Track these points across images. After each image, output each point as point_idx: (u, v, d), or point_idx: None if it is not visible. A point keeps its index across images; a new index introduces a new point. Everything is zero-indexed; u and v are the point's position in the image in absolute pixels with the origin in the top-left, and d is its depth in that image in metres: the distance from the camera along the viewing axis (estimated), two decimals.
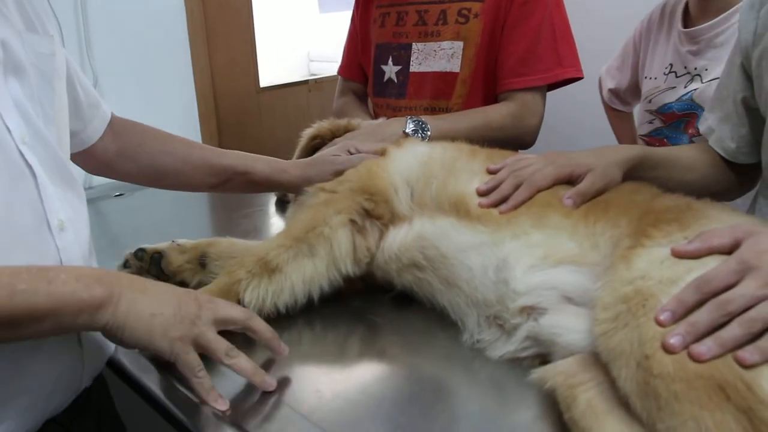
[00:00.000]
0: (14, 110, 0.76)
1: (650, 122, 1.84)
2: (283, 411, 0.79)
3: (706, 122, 1.21)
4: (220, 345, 0.79)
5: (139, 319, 0.74)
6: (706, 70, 1.64)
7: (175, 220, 1.61)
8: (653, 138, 1.83)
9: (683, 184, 1.03)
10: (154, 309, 0.76)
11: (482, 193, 1.00)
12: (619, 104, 2.21)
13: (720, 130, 1.17)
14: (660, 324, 0.67)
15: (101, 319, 0.72)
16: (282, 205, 1.58)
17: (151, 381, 0.87)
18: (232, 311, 0.84)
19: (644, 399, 0.64)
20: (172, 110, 2.26)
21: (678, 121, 1.73)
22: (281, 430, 0.76)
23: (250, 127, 2.83)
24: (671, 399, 0.62)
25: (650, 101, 1.81)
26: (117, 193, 1.79)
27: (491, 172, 1.04)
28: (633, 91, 2.07)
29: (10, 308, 0.65)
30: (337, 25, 4.82)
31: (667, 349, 0.64)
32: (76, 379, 0.85)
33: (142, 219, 1.64)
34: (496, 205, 0.98)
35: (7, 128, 0.74)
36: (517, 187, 0.99)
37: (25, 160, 0.76)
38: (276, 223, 1.52)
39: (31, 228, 0.76)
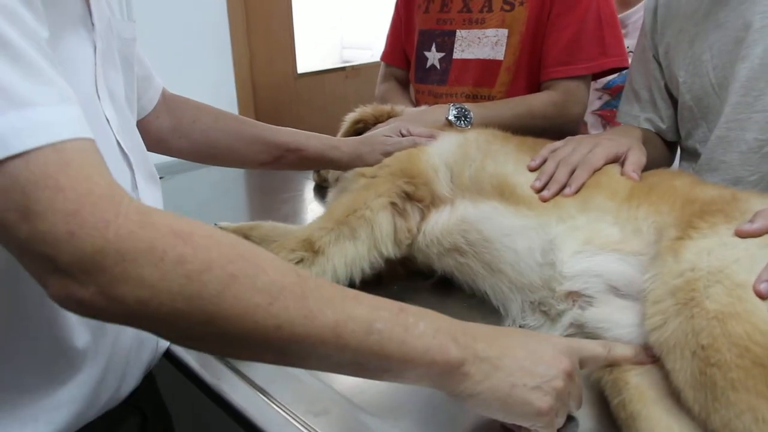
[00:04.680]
0: (108, 100, 0.76)
1: (599, 98, 2.02)
2: (327, 393, 0.79)
3: (629, 113, 1.35)
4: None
5: (496, 392, 0.63)
6: None
7: (214, 204, 1.62)
8: (605, 110, 2.01)
9: (650, 160, 1.06)
10: (515, 380, 0.63)
11: (539, 189, 0.98)
12: None
13: (648, 115, 1.31)
14: (760, 295, 0.66)
15: (447, 385, 0.63)
16: (320, 190, 1.58)
17: (207, 370, 0.86)
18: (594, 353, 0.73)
19: (698, 390, 0.63)
20: (210, 97, 2.27)
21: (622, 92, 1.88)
22: (326, 412, 0.76)
23: (287, 113, 2.84)
24: (728, 388, 0.61)
25: (596, 81, 1.97)
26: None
27: (533, 169, 1.03)
28: None
29: (362, 348, 0.58)
30: (373, 12, 4.82)
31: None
32: (151, 356, 0.86)
33: (182, 202, 1.64)
34: (557, 193, 0.96)
35: (107, 118, 0.74)
36: (571, 173, 0.98)
37: (123, 151, 0.76)
38: (314, 208, 1.52)
39: None
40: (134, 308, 0.52)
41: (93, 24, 0.73)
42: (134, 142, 0.81)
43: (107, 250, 0.50)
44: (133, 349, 0.82)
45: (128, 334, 0.80)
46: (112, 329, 0.76)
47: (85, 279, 0.51)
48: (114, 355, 0.78)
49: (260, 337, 0.55)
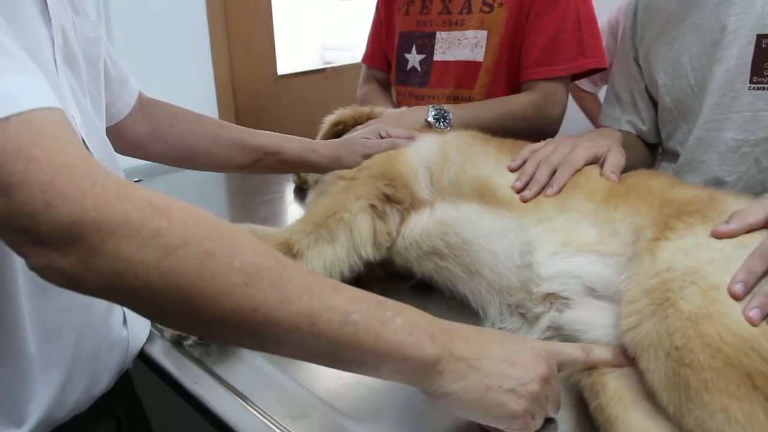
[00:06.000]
0: (71, 97, 0.75)
1: None
2: (306, 397, 0.79)
3: (611, 115, 1.35)
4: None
5: (470, 392, 0.63)
6: None
7: None
8: None
9: (631, 162, 1.07)
10: (491, 381, 0.63)
11: (519, 189, 0.98)
12: (589, 86, 2.47)
13: (630, 117, 1.32)
14: (735, 296, 0.66)
15: (421, 382, 0.63)
16: (300, 192, 1.57)
17: (185, 374, 0.86)
18: (572, 357, 0.74)
19: (672, 390, 0.64)
20: (190, 99, 2.26)
21: None
22: (305, 416, 0.76)
23: (267, 115, 2.82)
24: (701, 389, 0.61)
25: None
26: (135, 179, 1.79)
27: (513, 169, 1.03)
28: (604, 73, 2.21)
29: (337, 338, 0.58)
30: (354, 13, 4.81)
31: (750, 323, 0.64)
32: (122, 358, 0.86)
33: None
34: (538, 193, 0.96)
35: (72, 116, 0.73)
36: (551, 174, 0.98)
37: (87, 149, 0.75)
38: (294, 210, 1.52)
39: None
40: (112, 280, 0.51)
41: (50, 19, 0.72)
42: (99, 142, 0.80)
43: (84, 220, 0.50)
44: (102, 351, 0.81)
45: (94, 335, 0.79)
46: (71, 331, 0.76)
47: (65, 249, 0.50)
48: (78, 357, 0.77)
49: (236, 318, 0.54)
